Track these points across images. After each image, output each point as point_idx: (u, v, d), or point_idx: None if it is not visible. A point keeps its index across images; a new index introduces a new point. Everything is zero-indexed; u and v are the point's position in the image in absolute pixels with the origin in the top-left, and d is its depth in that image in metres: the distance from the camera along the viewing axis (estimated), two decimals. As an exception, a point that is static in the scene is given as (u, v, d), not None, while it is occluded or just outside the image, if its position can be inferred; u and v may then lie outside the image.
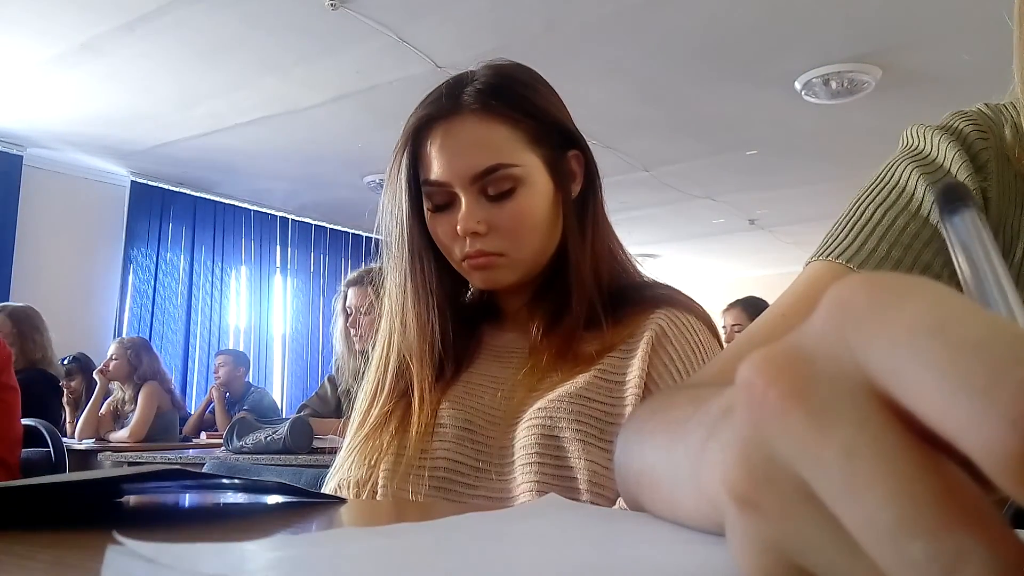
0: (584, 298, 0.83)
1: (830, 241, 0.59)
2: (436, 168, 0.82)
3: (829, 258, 0.57)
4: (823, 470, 0.16)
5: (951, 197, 0.24)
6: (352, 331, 2.57)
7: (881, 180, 0.61)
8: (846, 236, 0.58)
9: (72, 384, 3.90)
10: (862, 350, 0.16)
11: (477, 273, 0.84)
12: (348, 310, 2.60)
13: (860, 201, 0.60)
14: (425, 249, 0.86)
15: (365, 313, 2.49)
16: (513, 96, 0.83)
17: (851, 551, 0.17)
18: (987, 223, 0.23)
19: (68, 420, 3.86)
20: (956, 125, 0.61)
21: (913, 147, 0.62)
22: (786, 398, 0.17)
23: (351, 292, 2.61)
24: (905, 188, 0.58)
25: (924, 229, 0.56)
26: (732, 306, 3.49)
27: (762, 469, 0.18)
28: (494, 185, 0.81)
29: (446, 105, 0.83)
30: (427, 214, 0.85)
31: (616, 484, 0.73)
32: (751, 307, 3.44)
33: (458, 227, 0.81)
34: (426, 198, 0.84)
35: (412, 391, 0.85)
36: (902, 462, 0.15)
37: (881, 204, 0.58)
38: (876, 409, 0.16)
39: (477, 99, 0.82)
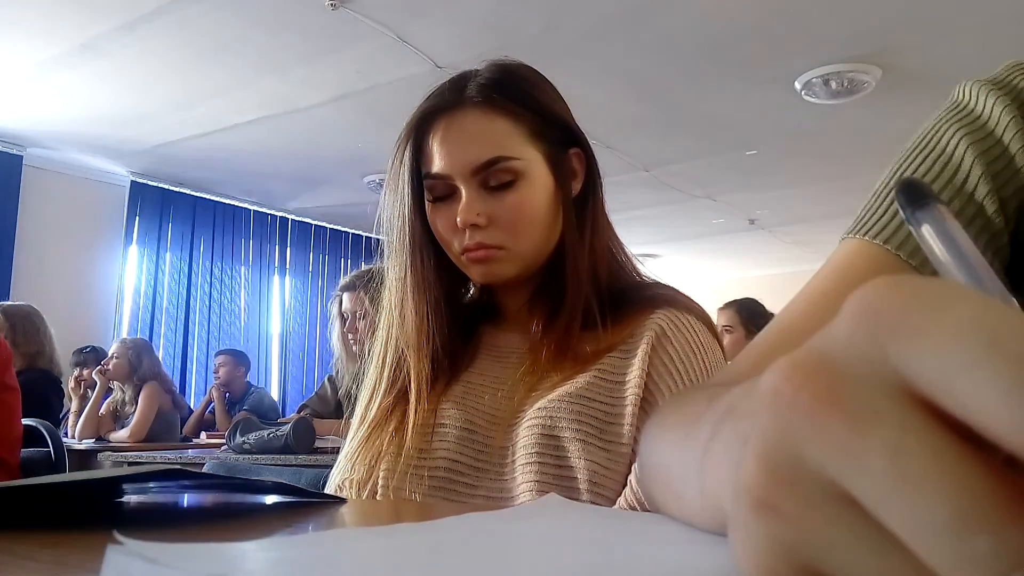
0: (579, 295, 0.82)
1: (866, 216, 0.54)
2: (437, 160, 0.83)
3: (865, 236, 0.52)
4: (864, 470, 0.16)
5: (915, 194, 0.23)
6: (350, 336, 2.56)
7: (925, 144, 0.54)
8: (884, 212, 0.52)
9: (84, 373, 3.91)
10: (901, 356, 0.16)
11: (476, 267, 0.84)
12: (344, 315, 2.58)
13: (900, 168, 0.55)
14: (426, 243, 0.86)
15: (361, 317, 2.48)
16: (516, 90, 0.84)
17: (877, 552, 0.17)
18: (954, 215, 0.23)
19: (73, 410, 3.86)
20: (1014, 81, 0.54)
21: (962, 105, 0.55)
22: (819, 401, 0.17)
23: (345, 297, 2.59)
24: (951, 158, 0.52)
25: (968, 206, 0.51)
26: (727, 306, 3.45)
27: (786, 471, 0.18)
28: (495, 177, 0.81)
29: (449, 98, 0.84)
30: (428, 206, 0.85)
31: (614, 484, 0.74)
32: (745, 309, 3.40)
33: (458, 219, 0.81)
34: (427, 191, 0.85)
35: (410, 385, 0.85)
36: (952, 459, 0.15)
37: (924, 176, 0.52)
38: (917, 410, 0.16)
39: (480, 92, 0.82)
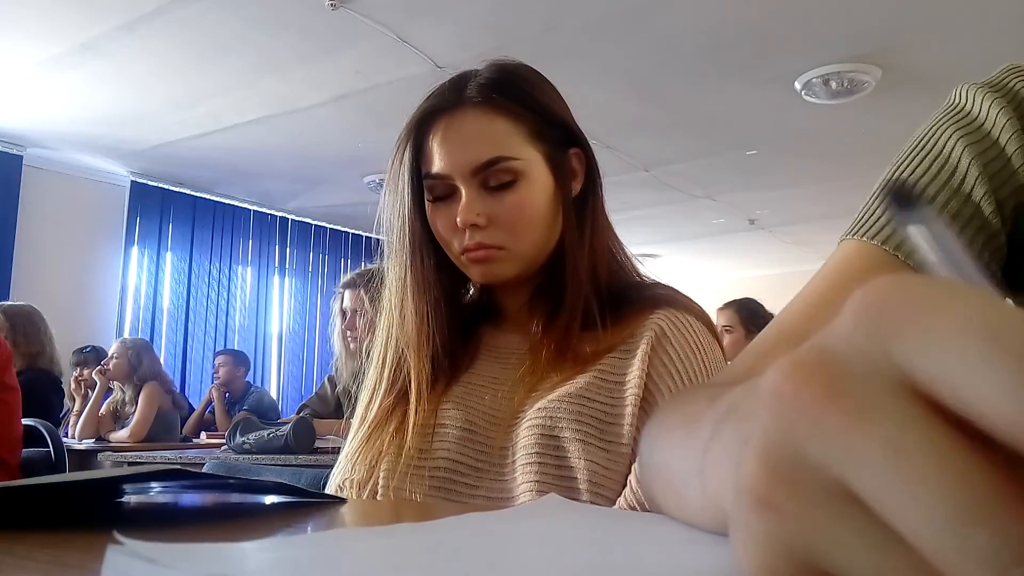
0: (579, 295, 0.82)
1: (865, 216, 0.54)
2: (437, 160, 0.83)
3: (863, 237, 0.53)
4: (867, 467, 0.16)
5: (906, 199, 0.24)
6: (349, 333, 2.57)
7: (922, 146, 0.55)
8: (881, 213, 0.53)
9: (84, 373, 3.91)
10: (903, 352, 0.16)
11: (476, 267, 0.84)
12: (345, 312, 2.60)
13: (897, 170, 0.55)
14: (425, 244, 0.86)
15: (361, 316, 2.49)
16: (516, 91, 0.84)
17: (880, 549, 0.17)
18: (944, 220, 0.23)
19: (75, 411, 3.86)
20: (1010, 84, 0.54)
21: (959, 108, 0.55)
22: (821, 398, 0.17)
23: (347, 295, 2.61)
24: (948, 159, 0.53)
25: (965, 207, 0.51)
26: (726, 306, 3.45)
27: (787, 469, 0.18)
28: (495, 177, 0.81)
29: (449, 98, 0.84)
30: (427, 206, 0.85)
31: (614, 484, 0.74)
32: (745, 309, 3.40)
33: (457, 219, 0.81)
34: (427, 191, 0.85)
35: (410, 385, 0.85)
36: (954, 454, 0.16)
37: (921, 177, 0.53)
38: (919, 406, 0.16)
39: (480, 92, 0.82)
